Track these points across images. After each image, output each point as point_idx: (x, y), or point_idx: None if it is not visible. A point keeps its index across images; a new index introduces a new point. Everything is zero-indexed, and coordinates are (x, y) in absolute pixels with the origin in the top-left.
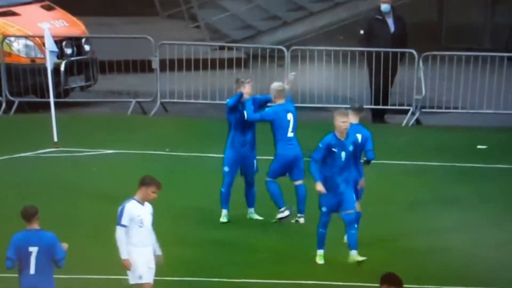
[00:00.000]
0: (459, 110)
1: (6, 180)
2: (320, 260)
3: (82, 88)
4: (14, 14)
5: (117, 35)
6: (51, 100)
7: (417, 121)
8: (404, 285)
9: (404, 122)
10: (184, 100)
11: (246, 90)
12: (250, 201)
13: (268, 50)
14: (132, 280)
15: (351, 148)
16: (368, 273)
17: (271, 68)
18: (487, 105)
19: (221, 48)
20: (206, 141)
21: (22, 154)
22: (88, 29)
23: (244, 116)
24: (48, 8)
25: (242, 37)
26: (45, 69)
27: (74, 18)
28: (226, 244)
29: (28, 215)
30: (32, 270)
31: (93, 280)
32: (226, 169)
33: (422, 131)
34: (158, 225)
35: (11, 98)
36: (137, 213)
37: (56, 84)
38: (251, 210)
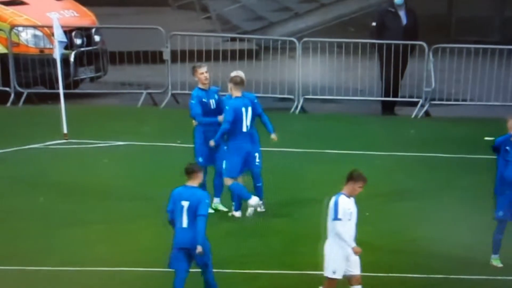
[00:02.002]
0: (468, 102)
1: (15, 172)
2: (497, 263)
3: (91, 79)
4: (22, 3)
5: (128, 25)
6: (60, 91)
7: (426, 113)
8: (410, 275)
9: (414, 114)
10: None
11: (200, 78)
12: (218, 191)
13: (279, 42)
14: (326, 273)
15: None
16: (375, 264)
17: (282, 59)
18: (495, 97)
19: (233, 39)
20: None
21: (31, 146)
22: (99, 20)
23: (210, 107)
24: None
25: (254, 29)
26: (54, 60)
27: (84, 8)
28: (237, 235)
29: (188, 172)
30: (184, 224)
31: (100, 272)
32: (200, 159)
33: (431, 123)
34: None
35: (20, 89)
36: (348, 207)
37: (66, 75)
38: (217, 200)
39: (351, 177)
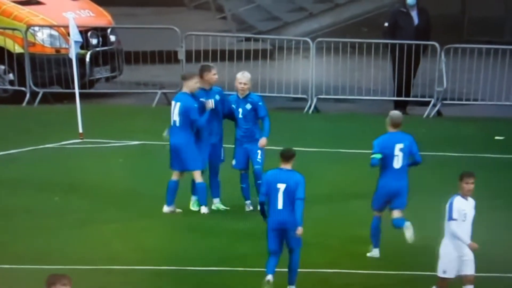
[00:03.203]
0: (479, 102)
1: (30, 172)
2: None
3: (107, 79)
4: (38, 3)
5: (143, 25)
6: (76, 91)
7: (438, 113)
8: (423, 272)
9: (426, 113)
10: None
11: (211, 77)
12: (215, 191)
13: (293, 42)
14: (437, 272)
15: None
16: (390, 261)
17: (296, 59)
18: (506, 97)
19: (247, 39)
20: (231, 132)
21: (47, 145)
22: (114, 20)
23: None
24: None
25: (268, 29)
26: (70, 60)
27: (100, 8)
28: (251, 234)
29: (286, 156)
30: (279, 205)
31: (114, 270)
32: None
33: (443, 123)
34: (186, 215)
35: (36, 89)
36: (462, 208)
37: (81, 75)
38: (217, 200)
39: (459, 177)
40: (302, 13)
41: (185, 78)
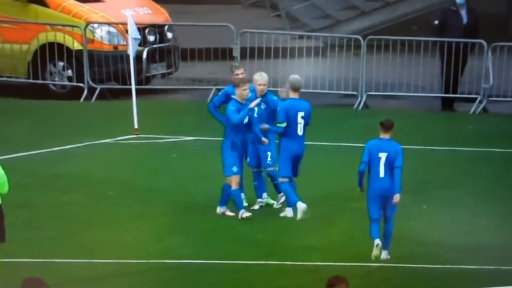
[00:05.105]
0: None
1: (86, 166)
2: None
3: (163, 75)
4: (98, 0)
5: (199, 23)
6: (133, 87)
7: (484, 109)
8: (464, 266)
9: (472, 110)
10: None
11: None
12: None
13: (345, 40)
14: None
15: None
16: (431, 256)
17: (347, 57)
18: None
19: (300, 37)
20: None
21: (103, 141)
22: (171, 17)
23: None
24: None
25: (321, 27)
26: (127, 56)
27: (157, 6)
28: (299, 228)
29: (386, 126)
30: (381, 174)
31: (167, 264)
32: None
33: (489, 119)
34: (233, 211)
35: (93, 85)
36: None
37: (138, 71)
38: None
39: None
40: (354, 11)
41: (235, 84)
